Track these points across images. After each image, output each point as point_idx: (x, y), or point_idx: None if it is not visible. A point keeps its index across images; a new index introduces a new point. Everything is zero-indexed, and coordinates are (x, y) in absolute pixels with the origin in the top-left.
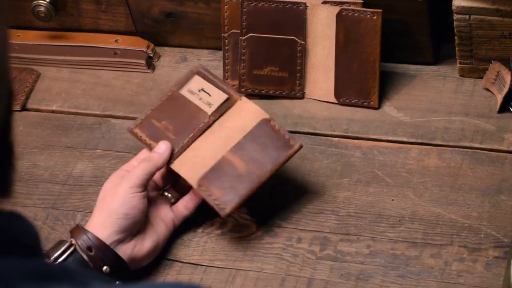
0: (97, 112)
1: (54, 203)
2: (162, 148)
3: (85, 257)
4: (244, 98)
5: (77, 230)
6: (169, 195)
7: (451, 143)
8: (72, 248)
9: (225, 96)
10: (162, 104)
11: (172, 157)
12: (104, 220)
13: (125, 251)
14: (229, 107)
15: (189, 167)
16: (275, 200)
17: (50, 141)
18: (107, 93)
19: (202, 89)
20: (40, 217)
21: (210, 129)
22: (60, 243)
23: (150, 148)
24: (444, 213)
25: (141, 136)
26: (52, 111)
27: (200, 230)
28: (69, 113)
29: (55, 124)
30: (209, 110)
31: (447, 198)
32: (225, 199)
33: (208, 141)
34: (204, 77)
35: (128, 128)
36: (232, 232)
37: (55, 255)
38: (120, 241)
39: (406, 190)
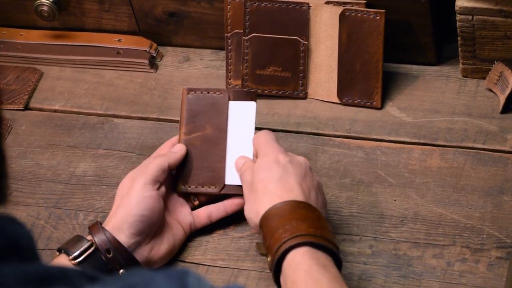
0: (100, 112)
1: (57, 202)
2: (177, 149)
3: (103, 258)
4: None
5: (96, 228)
6: (194, 196)
7: (453, 144)
8: (92, 249)
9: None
10: None
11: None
12: (121, 221)
13: (142, 253)
14: None
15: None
16: None
17: (52, 141)
18: (110, 93)
19: None
20: (42, 216)
21: None
22: (79, 239)
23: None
24: (446, 213)
25: None
26: (55, 111)
27: (202, 230)
28: (71, 112)
29: (58, 124)
30: None
31: (450, 198)
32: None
33: None
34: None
35: None
36: (234, 231)
37: (75, 253)
38: (138, 244)
39: (409, 191)
